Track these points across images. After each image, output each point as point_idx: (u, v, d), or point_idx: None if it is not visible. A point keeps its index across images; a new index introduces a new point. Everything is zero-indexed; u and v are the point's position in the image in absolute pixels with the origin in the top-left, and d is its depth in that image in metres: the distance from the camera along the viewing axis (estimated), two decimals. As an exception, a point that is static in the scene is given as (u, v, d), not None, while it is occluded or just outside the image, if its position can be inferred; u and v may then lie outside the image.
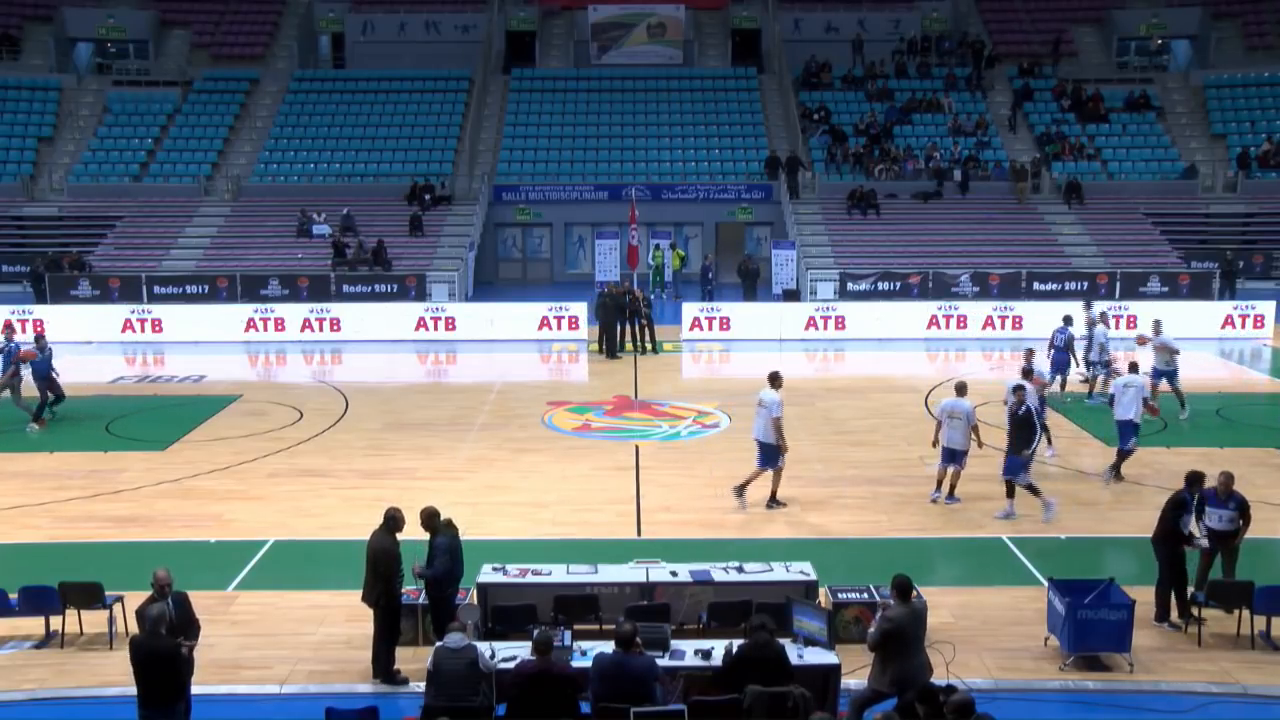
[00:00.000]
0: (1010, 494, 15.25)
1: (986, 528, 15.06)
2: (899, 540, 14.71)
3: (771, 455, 15.55)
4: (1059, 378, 21.57)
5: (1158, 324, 21.28)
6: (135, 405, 22.54)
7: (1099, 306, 23.71)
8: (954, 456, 15.80)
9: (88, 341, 28.97)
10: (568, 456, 18.52)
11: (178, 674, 9.07)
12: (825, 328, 29.63)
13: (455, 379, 27.20)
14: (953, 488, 15.98)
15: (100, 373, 25.45)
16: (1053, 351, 21.67)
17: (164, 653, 8.97)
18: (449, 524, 11.24)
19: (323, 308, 30.29)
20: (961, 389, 16.12)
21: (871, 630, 10.12)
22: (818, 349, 28.68)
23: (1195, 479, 12.23)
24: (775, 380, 15.77)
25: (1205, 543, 12.20)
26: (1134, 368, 17.53)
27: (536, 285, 39.04)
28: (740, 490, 15.73)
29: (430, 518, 11.17)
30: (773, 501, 15.73)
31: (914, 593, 9.83)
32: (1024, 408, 15.08)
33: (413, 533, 11.13)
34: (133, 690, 9.22)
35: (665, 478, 17.25)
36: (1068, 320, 22.10)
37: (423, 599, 11.40)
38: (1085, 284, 33.61)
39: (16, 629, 11.93)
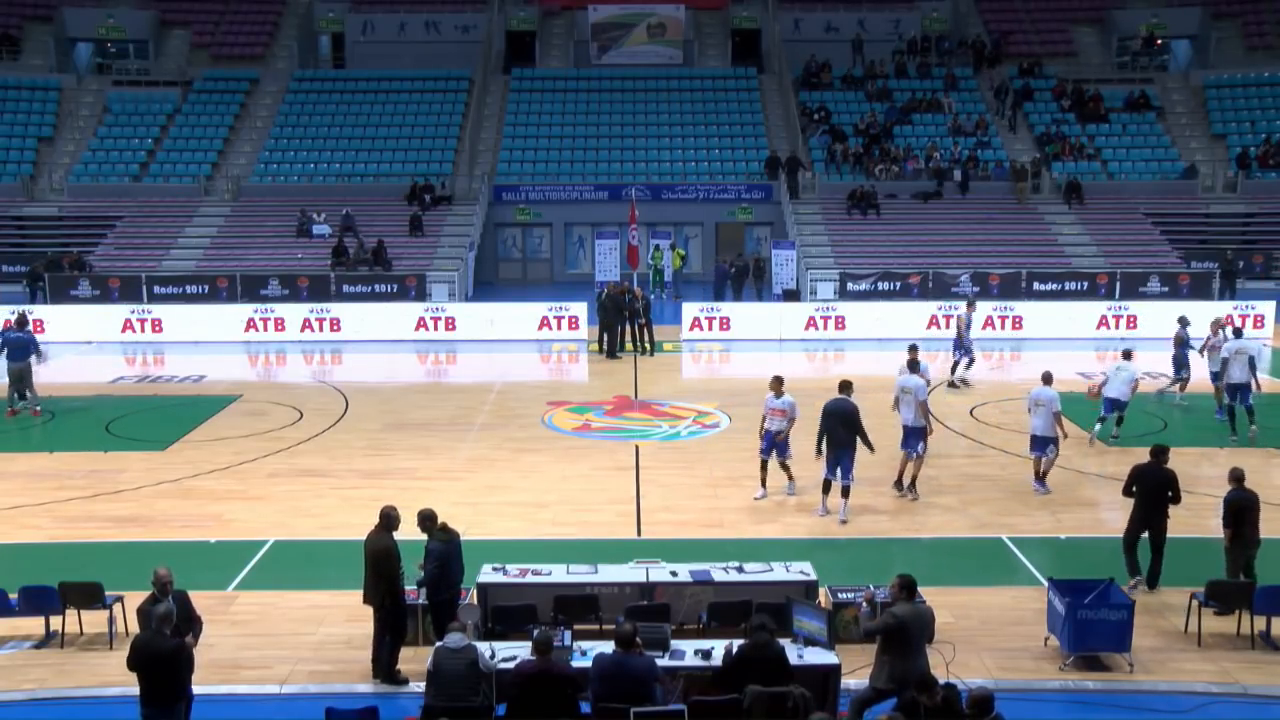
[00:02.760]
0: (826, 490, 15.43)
1: (987, 528, 15.07)
2: (899, 540, 14.72)
3: (912, 439, 15.90)
4: (1183, 378, 21.55)
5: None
6: (135, 405, 22.52)
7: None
8: (1038, 444, 16.06)
9: (88, 341, 28.98)
10: (568, 456, 18.51)
11: (178, 674, 9.07)
12: (825, 328, 29.64)
13: (455, 379, 27.19)
14: (1044, 475, 16.29)
15: (100, 373, 25.45)
16: (1178, 351, 21.66)
17: (165, 653, 8.97)
18: (444, 528, 11.18)
19: (323, 308, 30.28)
20: (1047, 378, 16.36)
21: (866, 611, 10.18)
22: (818, 349, 28.68)
23: (1161, 452, 12.79)
24: (914, 367, 16.75)
25: None
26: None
27: (536, 285, 39.04)
28: (902, 484, 16.22)
29: (425, 520, 11.13)
30: (910, 487, 16.14)
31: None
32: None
33: (411, 533, 11.12)
34: (133, 690, 9.23)
35: (665, 478, 17.25)
36: (1183, 321, 21.83)
37: (421, 599, 11.40)
38: (1085, 284, 33.65)
39: (16, 629, 11.92)
